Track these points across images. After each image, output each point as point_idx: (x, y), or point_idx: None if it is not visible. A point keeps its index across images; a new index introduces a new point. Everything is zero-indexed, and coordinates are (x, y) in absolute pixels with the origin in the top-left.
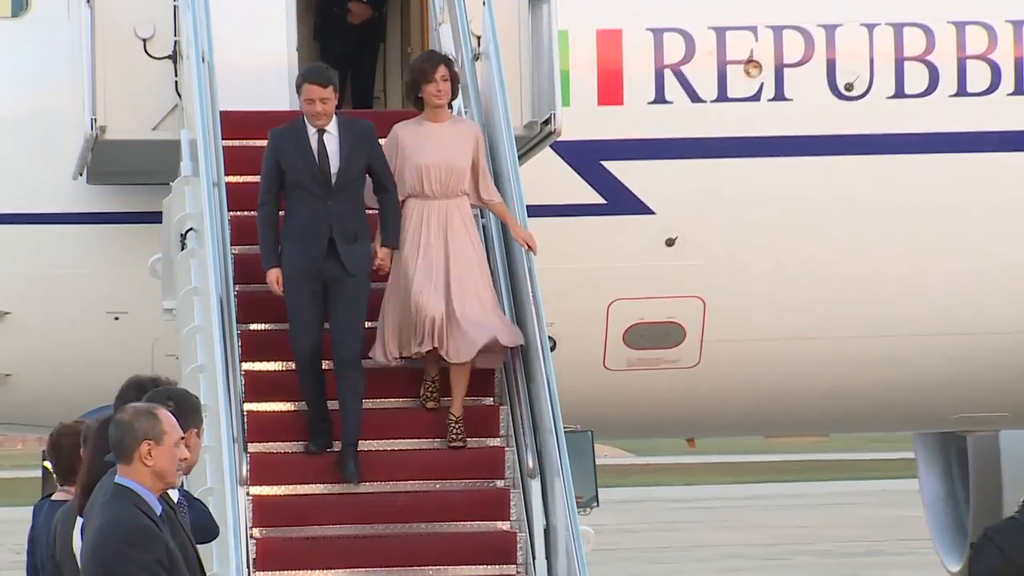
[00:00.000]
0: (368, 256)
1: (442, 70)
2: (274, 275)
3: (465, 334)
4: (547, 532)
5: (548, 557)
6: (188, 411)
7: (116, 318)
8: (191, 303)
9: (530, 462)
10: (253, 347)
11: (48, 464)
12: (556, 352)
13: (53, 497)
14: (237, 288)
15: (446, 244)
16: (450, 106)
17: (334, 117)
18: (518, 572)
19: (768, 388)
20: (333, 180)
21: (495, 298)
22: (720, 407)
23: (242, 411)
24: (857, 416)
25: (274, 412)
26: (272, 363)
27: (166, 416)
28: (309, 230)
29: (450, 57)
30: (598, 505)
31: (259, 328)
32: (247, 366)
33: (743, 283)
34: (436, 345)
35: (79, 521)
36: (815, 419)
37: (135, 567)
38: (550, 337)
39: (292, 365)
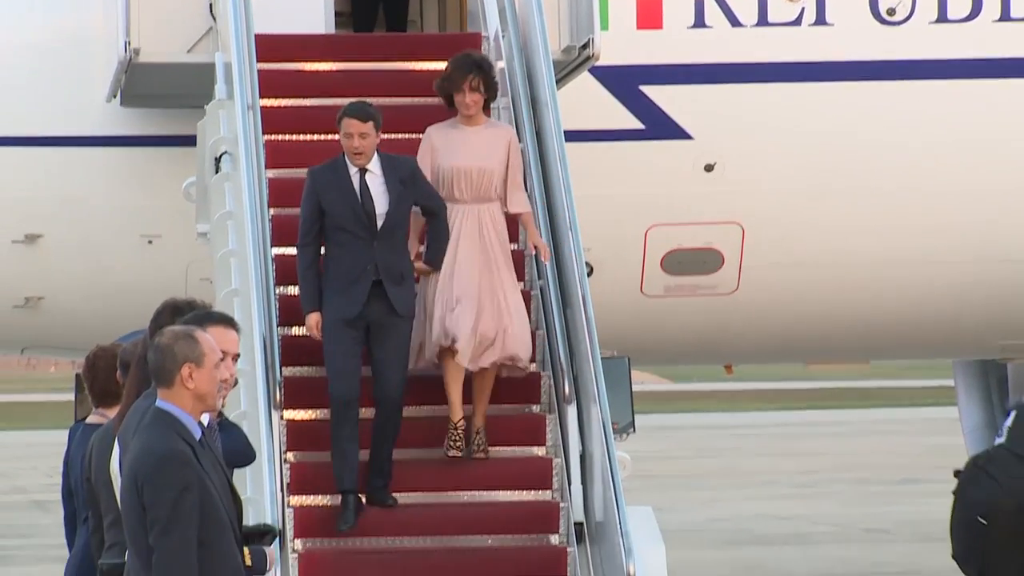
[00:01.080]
0: (414, 297)
1: (472, 80)
2: (314, 319)
3: (487, 343)
4: (583, 458)
5: (584, 483)
6: None
7: (150, 241)
8: (225, 227)
9: (566, 388)
10: (287, 272)
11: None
12: (593, 278)
13: (87, 420)
14: (272, 212)
15: (477, 250)
16: (487, 107)
17: (376, 155)
18: (553, 498)
19: (807, 315)
20: (379, 223)
21: (521, 305)
22: (758, 333)
23: (276, 334)
24: (898, 343)
25: (309, 336)
26: None
27: (205, 338)
28: (353, 272)
29: (487, 59)
30: (634, 431)
31: (291, 253)
32: (281, 290)
33: (782, 209)
34: (455, 348)
35: (116, 445)
36: (855, 346)
37: (170, 492)
38: (587, 263)
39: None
